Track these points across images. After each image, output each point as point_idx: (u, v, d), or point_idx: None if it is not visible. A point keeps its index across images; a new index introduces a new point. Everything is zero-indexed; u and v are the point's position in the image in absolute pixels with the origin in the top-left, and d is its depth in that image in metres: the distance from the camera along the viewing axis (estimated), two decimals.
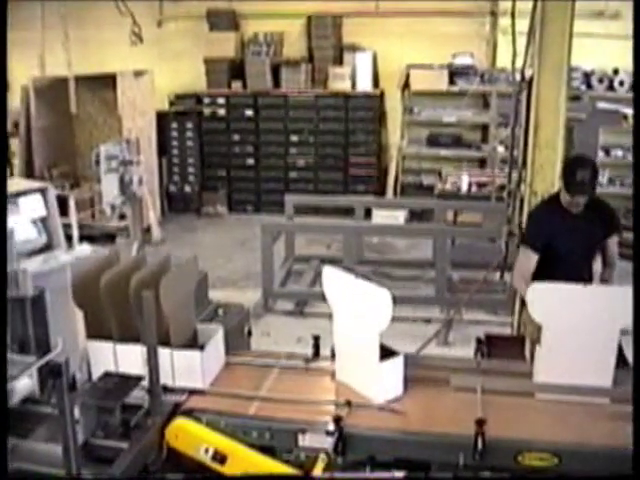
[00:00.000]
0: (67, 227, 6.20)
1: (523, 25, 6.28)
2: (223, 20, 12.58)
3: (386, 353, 3.85)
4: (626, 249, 6.16)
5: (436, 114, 11.96)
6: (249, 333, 4.95)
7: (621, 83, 10.75)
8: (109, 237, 10.57)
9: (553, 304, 3.88)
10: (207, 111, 12.68)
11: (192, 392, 3.92)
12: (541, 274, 4.69)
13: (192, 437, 3.60)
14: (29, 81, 11.53)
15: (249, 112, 12.52)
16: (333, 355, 4.19)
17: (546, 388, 3.84)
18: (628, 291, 3.79)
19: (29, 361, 3.36)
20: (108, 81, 11.31)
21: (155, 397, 3.67)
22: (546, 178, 5.87)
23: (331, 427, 3.52)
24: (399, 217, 10.61)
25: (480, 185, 10.22)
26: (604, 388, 3.81)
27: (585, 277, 4.14)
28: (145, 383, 3.71)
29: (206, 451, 3.53)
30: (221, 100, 12.60)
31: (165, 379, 3.82)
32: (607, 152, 10.82)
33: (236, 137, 12.68)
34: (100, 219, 10.95)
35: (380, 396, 3.79)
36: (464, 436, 3.39)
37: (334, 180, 12.41)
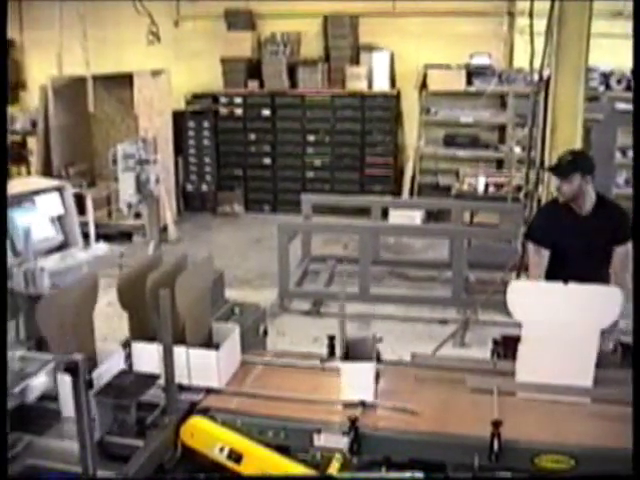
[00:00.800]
0: (84, 225, 6.19)
1: (541, 25, 6.25)
2: (240, 20, 12.60)
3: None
4: None
5: (453, 114, 11.93)
6: (265, 332, 4.96)
7: None
8: (126, 236, 10.61)
9: (533, 303, 3.89)
10: (224, 110, 12.69)
11: (208, 391, 3.93)
12: (546, 275, 4.68)
13: (208, 436, 3.60)
14: (47, 80, 11.59)
15: (266, 112, 12.53)
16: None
17: (559, 390, 3.83)
18: (610, 292, 3.79)
19: (46, 358, 3.37)
20: (125, 80, 11.36)
21: (171, 396, 3.68)
22: None
23: (346, 427, 3.51)
24: (415, 217, 10.60)
25: (497, 186, 10.18)
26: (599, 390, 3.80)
27: (588, 280, 4.12)
28: (161, 382, 3.72)
29: (221, 450, 3.53)
30: (238, 100, 12.61)
31: (181, 378, 3.83)
32: (624, 153, 10.76)
33: (253, 136, 12.69)
34: (117, 218, 10.99)
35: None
36: (480, 437, 3.38)
37: (350, 180, 12.40)
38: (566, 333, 3.82)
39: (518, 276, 7.25)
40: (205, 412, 3.75)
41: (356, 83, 12.14)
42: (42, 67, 12.52)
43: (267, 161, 12.72)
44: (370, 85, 12.14)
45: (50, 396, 3.68)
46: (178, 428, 3.63)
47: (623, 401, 3.58)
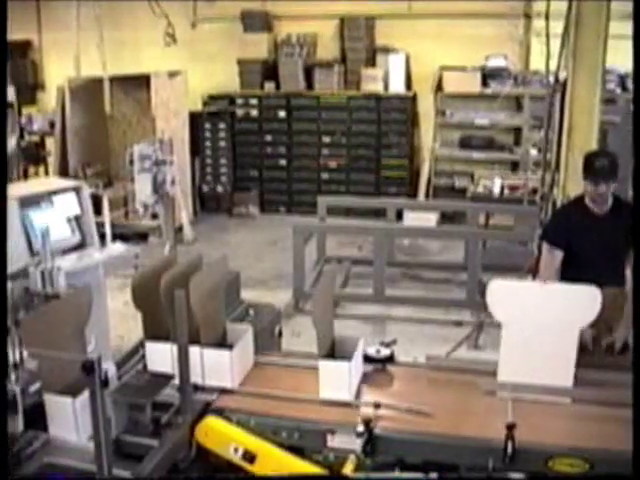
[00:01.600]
0: (100, 226, 6.24)
1: (557, 27, 6.24)
2: (257, 21, 12.62)
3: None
4: None
5: (469, 116, 11.92)
6: (280, 333, 4.97)
7: None
8: (141, 236, 10.65)
9: (513, 302, 3.89)
10: (240, 112, 12.72)
11: (223, 391, 3.94)
12: (563, 276, 4.67)
13: (222, 436, 3.61)
14: (65, 81, 11.66)
15: (282, 113, 12.55)
16: (365, 357, 4.19)
17: (575, 393, 3.82)
18: (589, 291, 3.79)
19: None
20: (142, 82, 11.41)
21: (186, 395, 3.69)
22: (579, 181, 5.80)
23: (360, 428, 3.51)
24: (431, 219, 10.58)
25: (512, 188, 10.15)
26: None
27: (606, 281, 4.10)
28: (176, 381, 3.74)
29: (235, 450, 3.54)
30: (254, 101, 12.64)
31: (195, 378, 3.84)
32: None
33: (268, 138, 12.71)
34: (133, 218, 11.03)
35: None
36: (494, 440, 3.38)
37: (366, 182, 12.39)
38: (546, 333, 3.83)
39: (534, 278, 7.23)
40: (220, 412, 3.76)
41: (372, 85, 12.14)
42: (60, 68, 12.59)
43: (283, 162, 12.74)
44: (386, 87, 12.14)
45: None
46: (193, 428, 3.64)
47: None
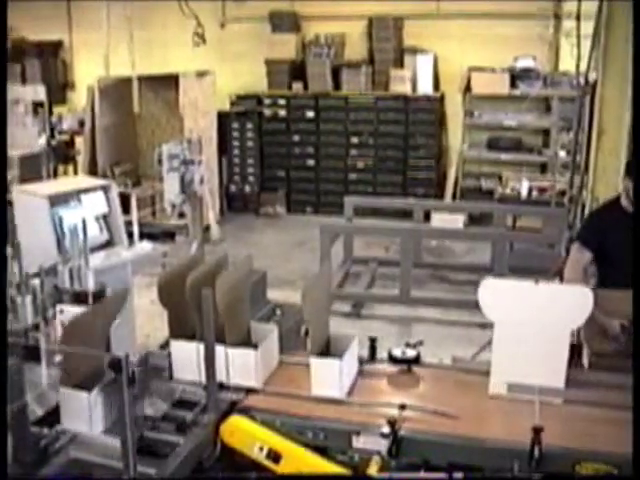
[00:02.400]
0: (128, 224, 6.30)
1: (588, 28, 6.19)
2: (285, 22, 12.66)
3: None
4: None
5: (497, 118, 11.87)
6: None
7: None
8: (169, 235, 10.69)
9: (505, 301, 3.87)
10: (268, 112, 12.75)
11: (248, 391, 3.95)
12: (599, 280, 4.63)
13: (247, 435, 3.62)
14: (94, 81, 11.75)
15: (310, 113, 12.56)
16: (391, 358, 4.18)
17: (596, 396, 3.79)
18: (581, 291, 3.75)
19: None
20: (171, 81, 11.47)
21: (211, 394, 3.71)
22: (609, 184, 5.78)
23: (386, 429, 3.51)
24: (458, 221, 10.54)
25: (540, 190, 10.09)
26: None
27: None
28: (202, 380, 3.76)
29: (260, 449, 3.55)
30: (282, 101, 12.67)
31: (220, 377, 3.86)
32: None
33: (296, 138, 12.73)
34: (160, 217, 11.10)
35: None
36: (520, 443, 3.36)
37: (393, 182, 12.38)
38: (538, 333, 3.81)
39: (561, 281, 7.18)
40: (245, 411, 3.77)
41: (400, 86, 12.12)
42: (90, 68, 12.70)
43: (310, 163, 12.75)
44: (414, 88, 12.12)
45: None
46: (218, 427, 3.65)
47: None
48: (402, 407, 3.69)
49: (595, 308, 3.83)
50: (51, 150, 12.31)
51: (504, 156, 11.78)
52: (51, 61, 14.09)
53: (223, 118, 12.42)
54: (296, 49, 12.55)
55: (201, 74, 11.64)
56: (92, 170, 11.77)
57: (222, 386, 3.89)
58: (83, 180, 8.19)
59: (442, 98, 12.29)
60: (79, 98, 13.57)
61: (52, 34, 14.06)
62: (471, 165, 12.23)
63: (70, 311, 3.55)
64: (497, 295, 3.91)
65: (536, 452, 3.29)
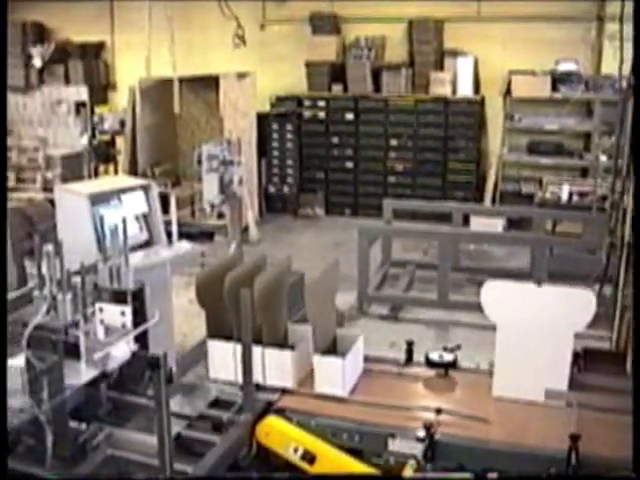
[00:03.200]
0: (167, 224, 6.33)
1: (631, 30, 6.10)
2: (325, 24, 12.66)
3: None
4: None
5: (537, 121, 11.76)
6: None
7: None
8: (207, 235, 10.74)
9: (508, 304, 3.87)
10: (307, 113, 12.76)
11: (284, 391, 3.96)
12: None
13: (282, 435, 3.63)
14: (136, 82, 11.86)
15: (349, 115, 12.55)
16: (428, 362, 4.17)
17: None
18: (583, 294, 3.70)
19: (127, 330, 3.48)
20: (211, 82, 11.54)
21: (248, 394, 3.72)
22: None
23: (422, 433, 3.50)
24: (497, 225, 10.46)
25: (581, 195, 9.99)
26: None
27: None
28: (239, 380, 3.77)
29: (295, 450, 3.56)
30: (321, 103, 12.67)
31: (257, 377, 3.87)
32: None
33: (335, 140, 12.73)
34: (199, 217, 11.17)
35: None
36: (556, 450, 3.33)
37: (432, 186, 12.32)
38: (540, 335, 3.80)
39: (601, 288, 7.10)
40: (281, 412, 3.78)
41: (440, 88, 12.07)
42: (131, 69, 12.81)
43: (349, 165, 12.74)
44: (454, 90, 12.05)
45: (131, 390, 3.77)
46: (254, 427, 3.67)
47: None
48: (438, 411, 3.69)
49: None
50: (92, 150, 12.44)
51: (544, 160, 11.67)
52: (94, 62, 14.24)
53: (263, 119, 12.45)
54: (336, 51, 12.54)
55: (241, 75, 11.69)
56: (132, 170, 11.88)
57: (259, 386, 3.90)
58: (123, 180, 8.26)
59: (482, 101, 12.21)
60: (120, 98, 13.70)
61: (95, 35, 14.21)
62: (511, 169, 12.13)
63: (108, 310, 3.59)
64: (500, 297, 3.91)
65: (573, 459, 3.26)
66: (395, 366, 4.27)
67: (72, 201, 5.86)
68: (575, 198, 9.98)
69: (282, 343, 4.14)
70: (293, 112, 12.68)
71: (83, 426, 3.56)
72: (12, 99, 14.26)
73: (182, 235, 6.50)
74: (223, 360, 4.07)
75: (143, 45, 10.88)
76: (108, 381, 3.76)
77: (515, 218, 11.14)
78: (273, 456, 3.67)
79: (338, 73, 12.55)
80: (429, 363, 4.21)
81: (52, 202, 7.77)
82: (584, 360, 4.43)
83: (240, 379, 3.80)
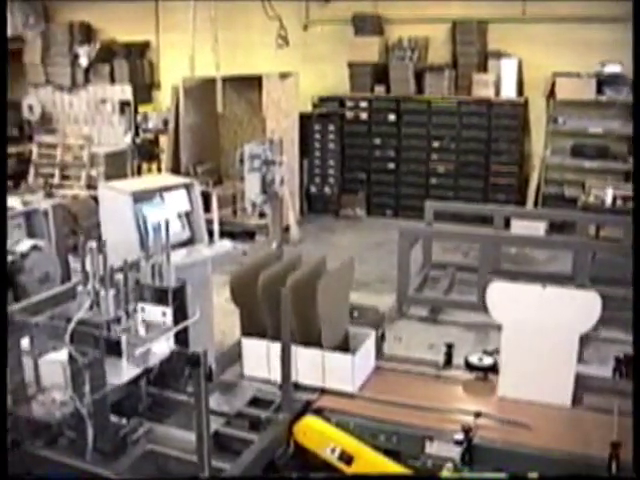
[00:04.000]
0: (209, 223, 6.37)
1: None
2: (368, 24, 12.65)
3: None
4: None
5: (582, 124, 11.64)
6: (382, 337, 4.96)
7: None
8: (249, 234, 10.81)
9: (513, 305, 3.86)
10: (350, 114, 12.76)
11: (323, 391, 3.97)
12: None
13: (320, 435, 3.64)
14: (179, 81, 11.96)
15: (391, 116, 12.52)
16: (467, 365, 4.15)
17: None
18: (588, 296, 3.65)
19: (167, 327, 3.52)
20: (254, 82, 11.60)
21: (286, 394, 3.74)
22: None
23: (460, 436, 3.48)
24: (539, 228, 10.37)
25: (625, 199, 9.85)
26: None
27: None
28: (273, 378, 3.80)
29: (333, 450, 3.56)
30: (364, 104, 12.66)
31: (316, 380, 3.90)
32: None
33: (377, 141, 12.71)
34: (241, 216, 11.23)
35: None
36: (597, 457, 3.29)
37: (474, 188, 12.25)
38: (545, 337, 3.79)
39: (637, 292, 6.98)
40: (319, 412, 3.79)
41: (483, 90, 11.99)
42: (175, 68, 12.90)
43: (391, 166, 12.72)
44: (497, 92, 11.97)
45: (171, 386, 3.80)
46: (292, 426, 3.68)
47: None
48: (477, 415, 3.67)
49: None
50: (136, 148, 12.60)
51: (588, 163, 11.53)
52: (138, 61, 14.38)
53: (305, 120, 12.48)
54: (379, 52, 12.52)
55: (284, 75, 11.73)
56: (175, 168, 11.98)
57: (298, 386, 3.92)
58: (166, 178, 8.33)
59: (526, 103, 12.10)
60: (164, 98, 13.83)
61: (140, 35, 14.36)
62: (554, 172, 12.02)
63: (150, 310, 3.63)
64: (504, 298, 3.91)
65: (614, 467, 3.22)
66: (434, 368, 4.26)
67: (115, 199, 5.92)
68: (619, 202, 9.85)
69: (317, 343, 4.15)
70: (335, 113, 12.69)
71: (123, 421, 3.60)
72: (58, 97, 14.50)
73: (223, 234, 6.54)
74: (257, 358, 4.10)
75: (187, 45, 10.95)
76: (148, 377, 3.81)
77: (557, 222, 11.04)
78: (310, 456, 3.68)
79: (381, 74, 12.54)
80: (468, 366, 4.19)
81: (96, 199, 7.87)
82: (626, 366, 4.38)
83: (272, 377, 3.85)
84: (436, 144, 12.36)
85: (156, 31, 14.32)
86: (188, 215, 6.17)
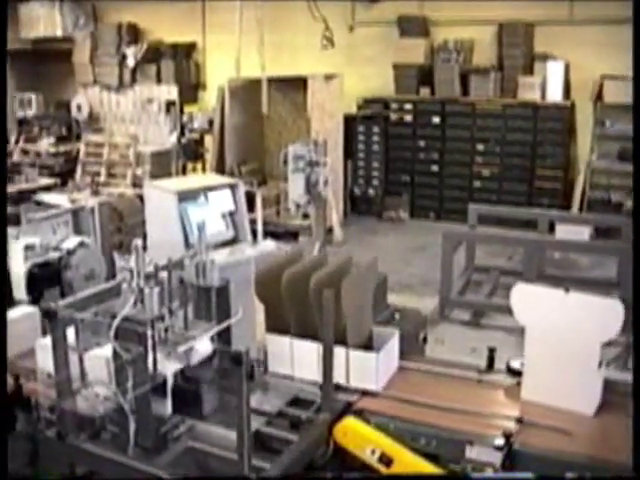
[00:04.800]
0: (252, 223, 6.41)
1: None
2: (413, 26, 12.63)
3: None
4: None
5: (629, 128, 11.47)
6: (424, 339, 4.95)
7: None
8: (292, 235, 10.84)
9: (536, 307, 3.82)
10: (394, 116, 12.75)
11: (364, 393, 3.97)
12: None
13: (360, 437, 3.63)
14: (225, 82, 12.04)
15: (436, 119, 12.48)
16: (509, 370, 4.12)
17: None
18: (610, 304, 3.59)
19: (209, 326, 3.55)
20: (299, 83, 11.64)
21: (327, 394, 3.74)
22: None
23: (500, 442, 3.46)
24: (584, 233, 10.26)
25: None
26: None
27: None
28: (319, 380, 3.80)
29: (372, 452, 3.55)
30: (408, 106, 12.63)
31: (339, 378, 3.89)
32: None
33: (422, 143, 12.67)
34: (284, 217, 11.27)
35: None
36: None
37: (518, 191, 12.15)
38: (567, 341, 3.73)
39: None
40: (359, 413, 3.79)
41: (529, 93, 11.90)
42: (221, 69, 13.01)
43: (435, 168, 12.68)
44: (543, 95, 11.87)
45: (213, 385, 3.83)
46: (332, 427, 3.68)
47: None
48: (519, 420, 3.64)
49: None
50: (181, 148, 12.70)
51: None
52: (185, 62, 14.52)
53: (349, 121, 12.50)
54: (424, 54, 12.49)
55: (329, 77, 11.75)
56: (220, 168, 12.06)
57: (339, 387, 3.92)
58: (211, 178, 8.40)
59: (572, 106, 11.98)
60: (210, 98, 13.93)
61: (187, 36, 14.49)
62: (600, 176, 11.87)
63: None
64: (528, 300, 3.88)
65: None
66: (476, 373, 4.23)
67: (160, 197, 5.99)
68: None
69: (367, 345, 4.16)
70: (380, 114, 12.69)
71: (165, 417, 3.63)
72: (106, 97, 14.69)
73: (267, 234, 6.58)
74: (281, 354, 4.12)
75: (233, 46, 11.02)
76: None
77: (603, 227, 10.90)
78: (350, 457, 3.67)
79: (426, 76, 12.51)
80: (510, 371, 4.16)
81: (141, 198, 7.97)
82: None
83: (296, 374, 3.88)
84: (480, 147, 12.30)
85: (202, 32, 14.44)
86: (232, 215, 6.21)
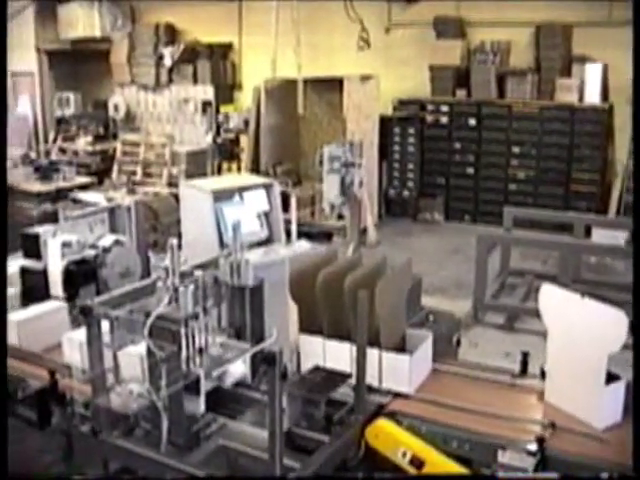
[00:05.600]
0: (287, 223, 6.43)
1: None
2: (450, 28, 12.56)
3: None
4: None
5: None
6: (458, 342, 4.93)
7: None
8: (326, 236, 10.82)
9: (559, 310, 3.82)
10: (430, 118, 12.70)
11: (396, 395, 3.96)
12: None
13: (392, 439, 3.63)
14: (261, 82, 12.08)
15: (472, 121, 12.41)
16: (542, 374, 4.09)
17: None
18: (614, 314, 3.60)
19: (244, 347, 3.54)
20: (335, 84, 11.64)
21: (360, 396, 3.74)
22: None
23: (533, 447, 3.44)
24: (620, 237, 10.16)
25: None
26: None
27: None
28: (352, 381, 3.80)
29: (404, 454, 3.54)
30: (444, 108, 12.58)
31: (371, 379, 3.89)
32: None
33: (457, 145, 12.61)
34: (319, 218, 11.27)
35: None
36: None
37: (554, 195, 12.05)
38: (580, 347, 3.71)
39: None
40: (391, 415, 3.78)
41: (566, 95, 11.79)
42: (257, 69, 13.06)
43: (470, 171, 12.61)
44: (581, 98, 11.75)
45: (245, 383, 3.84)
46: (364, 428, 3.68)
47: None
48: (552, 426, 3.61)
49: None
50: (216, 147, 12.79)
51: None
52: (221, 62, 14.58)
53: (385, 122, 12.49)
54: (461, 55, 12.43)
55: (365, 78, 11.75)
56: (255, 168, 12.11)
57: (371, 388, 3.92)
58: (246, 178, 8.44)
59: (610, 109, 11.85)
60: (246, 98, 13.99)
61: (223, 37, 14.56)
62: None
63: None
64: (552, 302, 3.87)
65: None
66: (509, 377, 4.21)
67: (196, 197, 6.02)
68: None
69: (400, 347, 4.15)
70: (415, 116, 12.65)
71: (198, 415, 3.65)
72: (142, 97, 14.81)
73: (301, 234, 6.59)
74: (313, 355, 4.13)
75: (269, 46, 11.07)
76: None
77: None
78: (381, 459, 3.67)
79: (462, 78, 12.45)
80: (544, 375, 4.13)
81: (176, 197, 8.02)
82: None
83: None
84: (516, 149, 12.21)
85: (239, 33, 14.49)
86: (267, 215, 6.24)
